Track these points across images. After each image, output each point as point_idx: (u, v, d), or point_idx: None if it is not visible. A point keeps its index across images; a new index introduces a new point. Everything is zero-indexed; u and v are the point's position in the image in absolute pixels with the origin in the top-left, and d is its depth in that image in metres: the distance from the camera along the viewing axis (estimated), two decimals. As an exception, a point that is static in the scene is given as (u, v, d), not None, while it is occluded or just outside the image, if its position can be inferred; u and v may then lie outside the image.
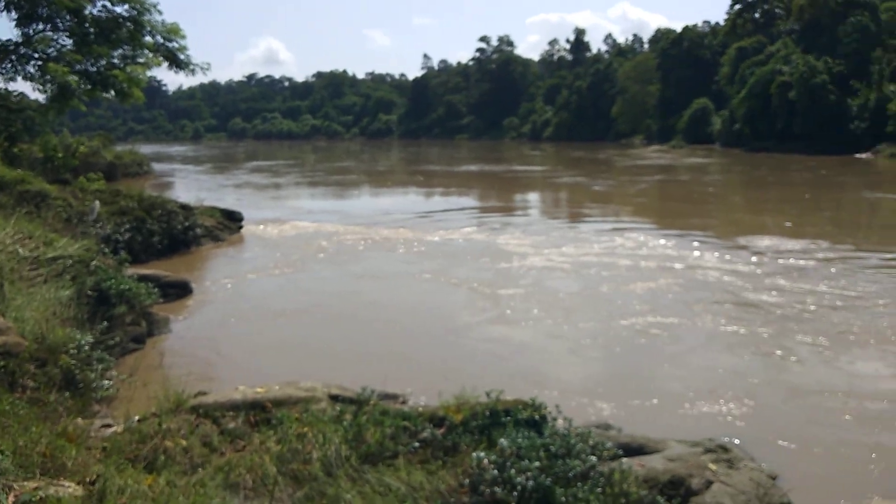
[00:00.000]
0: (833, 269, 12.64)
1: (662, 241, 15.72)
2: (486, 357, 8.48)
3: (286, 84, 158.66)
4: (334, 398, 5.49)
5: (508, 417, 4.79)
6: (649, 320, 9.65)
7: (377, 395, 5.49)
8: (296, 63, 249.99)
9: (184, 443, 4.60)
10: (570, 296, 11.25)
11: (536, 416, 4.83)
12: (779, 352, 8.39)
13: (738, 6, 67.71)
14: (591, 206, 24.25)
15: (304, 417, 4.93)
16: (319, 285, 12.61)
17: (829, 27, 51.78)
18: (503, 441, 4.35)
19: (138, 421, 4.89)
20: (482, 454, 4.26)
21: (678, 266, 13.07)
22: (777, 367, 7.97)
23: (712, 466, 5.12)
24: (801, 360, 8.12)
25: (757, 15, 66.71)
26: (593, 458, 4.29)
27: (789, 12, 59.49)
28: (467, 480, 4.20)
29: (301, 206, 25.50)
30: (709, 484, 4.87)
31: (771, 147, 48.15)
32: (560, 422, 4.95)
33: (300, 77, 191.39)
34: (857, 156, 42.58)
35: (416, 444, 4.58)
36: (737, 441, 6.07)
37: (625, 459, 5.08)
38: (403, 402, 6.12)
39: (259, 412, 5.09)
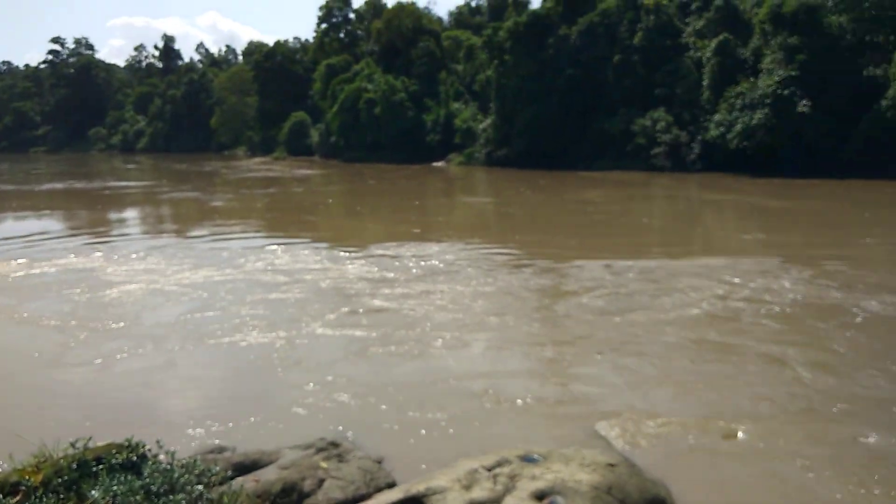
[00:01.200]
0: (471, 270, 13.44)
1: (289, 254, 15.41)
2: (72, 402, 7.48)
3: None
4: None
5: (101, 465, 4.28)
6: (265, 335, 9.50)
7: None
8: None
9: None
10: (172, 321, 10.38)
11: (134, 457, 4.40)
12: (394, 348, 8.88)
13: (324, 25, 72.08)
14: (209, 223, 22.86)
15: None
16: None
17: (403, 50, 58.42)
18: (94, 493, 3.86)
19: None
20: (68, 514, 3.72)
21: (306, 277, 12.97)
22: (388, 363, 8.45)
23: (324, 465, 5.33)
24: (413, 355, 8.70)
25: (342, 35, 71.88)
26: (200, 487, 4.08)
27: (370, 35, 65.48)
28: (50, 549, 3.62)
29: None
30: (321, 482, 5.06)
31: (363, 157, 52.40)
32: (163, 457, 4.61)
33: None
34: (434, 164, 48.89)
35: (-19, 523, 3.80)
36: (350, 435, 6.43)
37: (239, 479, 4.98)
38: (-35, 474, 5.03)
39: None
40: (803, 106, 30.60)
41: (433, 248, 15.94)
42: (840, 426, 6.44)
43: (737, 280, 11.99)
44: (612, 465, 5.02)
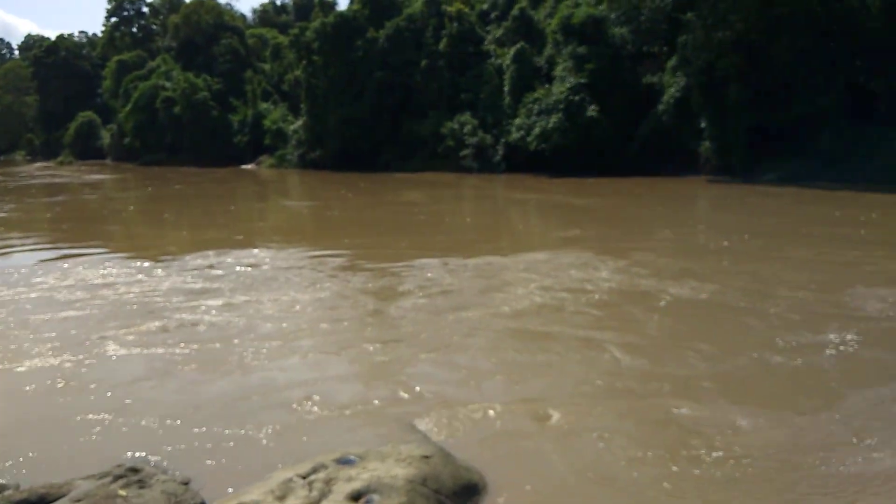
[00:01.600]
0: (301, 275, 12.76)
1: (86, 268, 13.82)
2: None
3: None
4: None
5: None
6: (50, 359, 8.43)
7: None
8: None
9: None
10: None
11: None
12: (207, 364, 8.27)
13: (114, 19, 66.61)
14: None
15: None
16: None
17: (204, 47, 55.53)
18: None
19: None
20: None
21: (106, 293, 11.68)
22: (200, 381, 7.87)
23: (122, 493, 4.90)
24: (229, 369, 8.12)
25: (135, 29, 66.90)
26: (-34, 536, 3.57)
27: (166, 30, 61.53)
28: None
29: None
30: (119, 513, 4.64)
31: (163, 160, 49.26)
32: (-81, 505, 3.98)
33: None
34: (244, 167, 47.07)
35: None
36: (153, 459, 5.95)
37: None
38: None
39: None
40: (592, 110, 33.42)
41: (258, 254, 15.22)
42: (651, 403, 6.94)
43: (559, 273, 12.64)
44: (426, 457, 5.11)
